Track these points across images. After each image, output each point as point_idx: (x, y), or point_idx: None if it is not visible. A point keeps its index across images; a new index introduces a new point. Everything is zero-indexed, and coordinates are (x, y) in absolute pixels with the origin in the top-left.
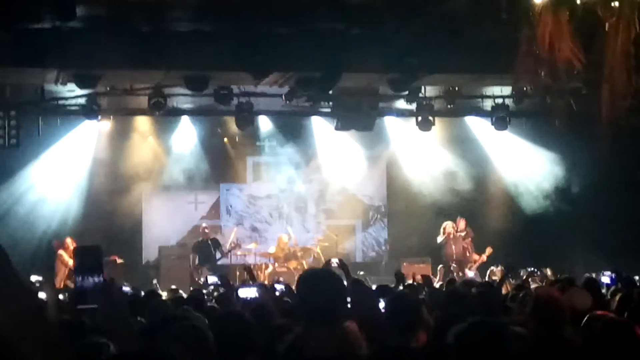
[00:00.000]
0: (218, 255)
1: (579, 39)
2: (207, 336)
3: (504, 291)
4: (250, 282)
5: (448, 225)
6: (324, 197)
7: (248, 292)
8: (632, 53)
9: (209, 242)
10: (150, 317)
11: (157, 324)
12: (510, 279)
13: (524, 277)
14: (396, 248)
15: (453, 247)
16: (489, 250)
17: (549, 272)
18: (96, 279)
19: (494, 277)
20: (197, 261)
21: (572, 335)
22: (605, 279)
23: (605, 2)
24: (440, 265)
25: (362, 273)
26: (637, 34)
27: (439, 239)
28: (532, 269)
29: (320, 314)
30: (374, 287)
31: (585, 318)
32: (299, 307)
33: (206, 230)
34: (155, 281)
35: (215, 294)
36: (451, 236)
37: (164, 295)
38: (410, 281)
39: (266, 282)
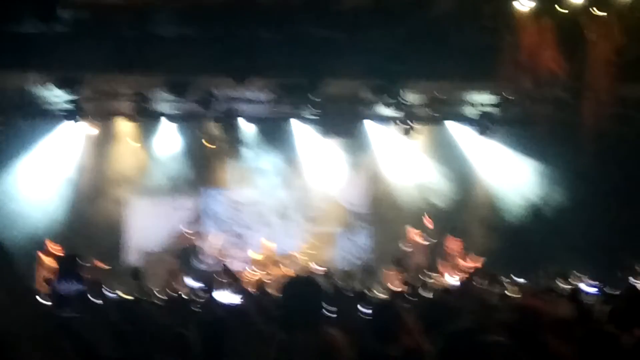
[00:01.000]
0: (200, 261)
1: (561, 47)
2: (190, 342)
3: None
4: (232, 284)
5: (412, 231)
6: (306, 203)
7: (230, 298)
8: (615, 61)
9: (191, 248)
10: (134, 322)
11: (141, 330)
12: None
13: (506, 286)
14: (378, 255)
15: (418, 255)
16: (475, 259)
17: (525, 280)
18: (75, 286)
19: (476, 284)
20: (179, 267)
21: (554, 344)
22: (589, 288)
23: (588, 11)
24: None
25: (341, 279)
26: (619, 43)
27: (405, 246)
28: (514, 277)
29: (303, 319)
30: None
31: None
32: (282, 313)
33: (189, 236)
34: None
35: (199, 299)
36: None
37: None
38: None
39: (248, 289)
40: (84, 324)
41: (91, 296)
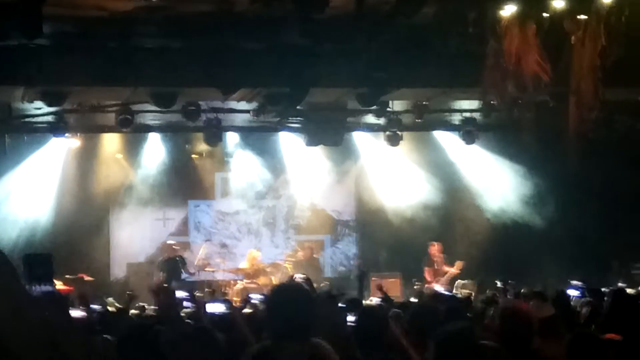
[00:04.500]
0: (185, 273)
1: (545, 52)
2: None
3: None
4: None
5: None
6: (292, 213)
7: (216, 307)
8: (599, 66)
9: (177, 259)
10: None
11: (126, 340)
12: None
13: (493, 292)
14: (365, 263)
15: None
16: (459, 264)
17: (509, 285)
18: (46, 287)
19: (463, 290)
20: (162, 279)
21: (540, 346)
22: (573, 291)
23: (572, 15)
24: (415, 281)
25: (325, 284)
26: (603, 47)
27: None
28: (502, 282)
29: (290, 328)
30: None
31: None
32: (269, 321)
33: (174, 247)
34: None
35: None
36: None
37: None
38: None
39: (235, 299)
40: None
41: (78, 308)
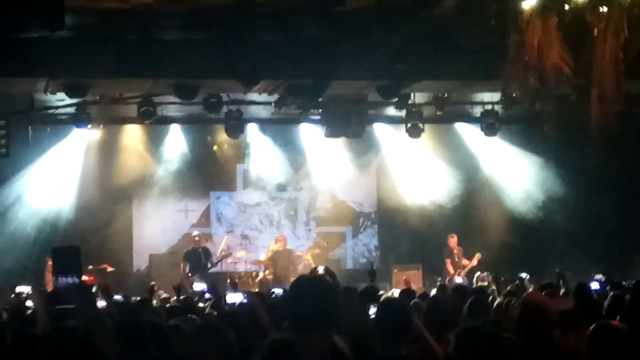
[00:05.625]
0: (209, 264)
1: (567, 44)
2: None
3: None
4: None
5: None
6: (314, 205)
7: (236, 297)
8: (621, 58)
9: (200, 250)
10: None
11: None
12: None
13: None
14: (387, 255)
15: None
16: (478, 256)
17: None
18: (72, 280)
19: (480, 283)
20: (187, 270)
21: (560, 339)
22: (595, 284)
23: (594, 8)
24: (437, 277)
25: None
26: (625, 39)
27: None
28: (525, 274)
29: (313, 320)
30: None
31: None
32: (290, 312)
33: (197, 239)
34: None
35: (204, 302)
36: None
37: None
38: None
39: (257, 290)
40: (81, 315)
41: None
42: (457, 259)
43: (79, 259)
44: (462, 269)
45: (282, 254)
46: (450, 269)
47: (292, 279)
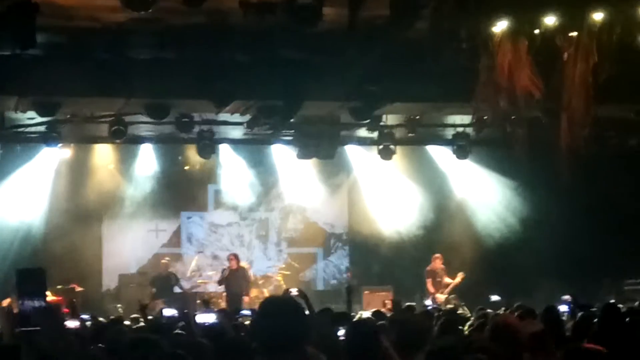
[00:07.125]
0: (177, 289)
1: (538, 68)
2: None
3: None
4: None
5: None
6: (285, 225)
7: (207, 318)
8: (591, 82)
9: (169, 276)
10: (111, 345)
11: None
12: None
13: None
14: (358, 276)
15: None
16: (461, 275)
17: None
18: (38, 302)
19: (448, 305)
20: (154, 294)
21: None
22: (564, 307)
23: (564, 32)
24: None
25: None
26: (595, 64)
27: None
28: (491, 296)
29: (282, 340)
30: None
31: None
32: (258, 334)
33: (166, 263)
34: (119, 306)
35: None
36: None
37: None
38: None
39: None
40: (46, 337)
41: (53, 312)
42: (438, 279)
43: (44, 281)
44: (445, 288)
45: (236, 272)
46: (431, 288)
47: (246, 297)
